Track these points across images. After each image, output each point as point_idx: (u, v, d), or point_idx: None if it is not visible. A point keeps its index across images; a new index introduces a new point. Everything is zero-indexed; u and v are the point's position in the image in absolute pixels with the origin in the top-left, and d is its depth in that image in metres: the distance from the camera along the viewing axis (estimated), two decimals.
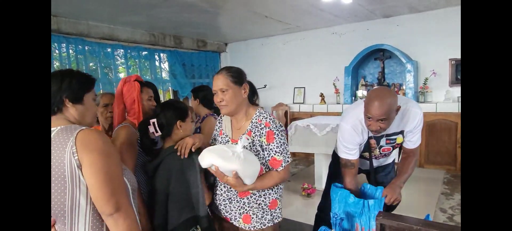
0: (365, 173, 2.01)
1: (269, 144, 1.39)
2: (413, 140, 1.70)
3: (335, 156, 1.94)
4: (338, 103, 5.28)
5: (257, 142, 1.40)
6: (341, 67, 5.12)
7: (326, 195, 1.93)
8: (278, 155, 1.39)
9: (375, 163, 1.85)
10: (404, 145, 1.74)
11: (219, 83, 1.42)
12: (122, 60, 5.06)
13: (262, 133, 1.40)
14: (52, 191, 1.00)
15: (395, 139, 1.71)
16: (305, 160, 5.41)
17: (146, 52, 5.23)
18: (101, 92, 3.69)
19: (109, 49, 4.72)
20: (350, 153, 1.68)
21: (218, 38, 6.16)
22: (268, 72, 6.02)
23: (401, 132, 1.69)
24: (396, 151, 2.01)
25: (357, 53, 4.95)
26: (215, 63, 6.48)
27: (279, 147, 1.39)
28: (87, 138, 1.00)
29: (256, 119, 1.44)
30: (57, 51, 4.12)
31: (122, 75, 5.14)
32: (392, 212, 1.52)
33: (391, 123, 1.54)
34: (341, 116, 1.83)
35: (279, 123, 1.44)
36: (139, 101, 1.57)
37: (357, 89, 5.17)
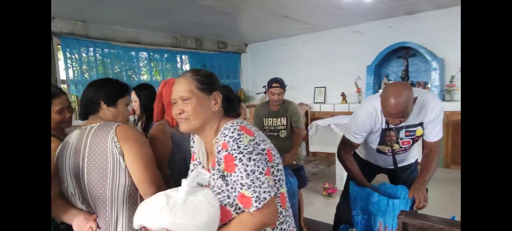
0: (387, 173, 1.97)
1: (230, 175, 0.95)
2: (434, 132, 1.66)
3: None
4: (360, 102, 5.18)
5: (220, 172, 0.99)
6: (363, 66, 5.02)
7: (345, 194, 1.92)
8: (245, 190, 0.93)
9: (397, 160, 1.81)
10: (425, 138, 1.71)
11: (180, 89, 1.03)
12: (145, 63, 5.23)
13: (221, 159, 0.97)
14: (95, 175, 1.12)
15: (415, 130, 1.68)
16: (326, 160, 5.35)
17: (168, 55, 5.38)
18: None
19: (133, 53, 4.89)
20: (355, 137, 1.73)
21: (238, 39, 6.22)
22: (288, 72, 6.00)
23: (421, 124, 1.66)
24: (419, 150, 1.96)
25: (380, 52, 4.84)
26: (236, 64, 6.54)
27: (245, 177, 0.92)
28: (126, 130, 1.15)
29: (218, 139, 1.00)
30: (84, 55, 4.32)
31: (145, 77, 5.30)
32: (416, 212, 1.48)
33: (410, 115, 1.55)
34: (361, 102, 1.85)
35: (250, 140, 0.95)
36: (169, 101, 1.67)
37: (379, 88, 5.05)
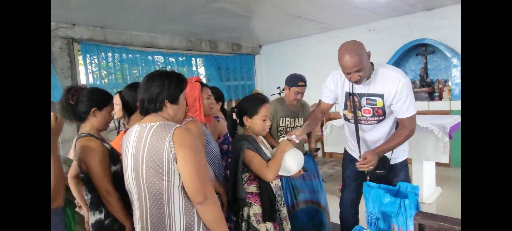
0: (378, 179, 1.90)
1: None
2: (402, 109, 1.68)
3: (344, 154, 2.10)
4: None
5: None
6: None
7: (345, 191, 2.05)
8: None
9: (366, 130, 1.82)
10: (395, 114, 1.73)
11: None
12: (162, 67, 5.33)
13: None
14: (150, 175, 1.16)
15: (375, 100, 1.72)
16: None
17: (183, 58, 5.46)
18: None
19: (149, 57, 4.99)
20: (324, 95, 1.99)
21: (252, 41, 6.24)
22: (302, 72, 5.84)
23: (381, 96, 1.69)
24: (406, 151, 1.92)
25: (397, 50, 4.73)
26: (250, 65, 6.56)
27: None
28: (182, 135, 1.15)
29: None
30: (104, 61, 4.46)
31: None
32: (432, 213, 1.43)
33: (368, 70, 1.66)
34: None
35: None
36: (199, 99, 1.74)
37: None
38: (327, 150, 3.88)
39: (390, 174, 1.83)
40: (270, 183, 1.64)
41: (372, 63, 1.74)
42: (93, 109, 1.50)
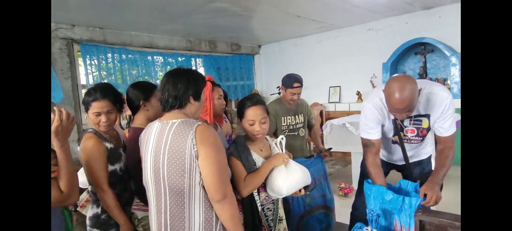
0: (400, 170, 1.93)
1: None
2: (445, 127, 1.61)
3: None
4: None
5: None
6: (379, 64, 4.93)
7: (360, 193, 1.90)
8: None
9: (409, 152, 1.77)
10: (436, 133, 1.66)
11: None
12: (161, 67, 5.33)
13: None
14: (171, 171, 1.16)
15: (421, 121, 1.65)
16: (342, 160, 5.28)
17: (183, 58, 5.46)
18: None
19: (149, 57, 4.99)
20: (370, 131, 1.68)
21: (251, 41, 6.24)
22: (302, 72, 5.88)
23: (427, 116, 1.63)
24: (432, 146, 1.90)
25: (396, 49, 4.74)
26: (249, 65, 6.57)
27: None
28: (204, 132, 1.16)
29: None
30: (103, 61, 4.46)
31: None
32: (433, 209, 1.45)
33: (416, 107, 1.54)
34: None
35: None
36: (210, 99, 1.68)
37: None
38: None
39: (414, 168, 1.88)
40: (257, 195, 1.48)
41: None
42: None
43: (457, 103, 4.28)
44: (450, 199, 3.32)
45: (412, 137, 1.73)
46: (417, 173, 1.85)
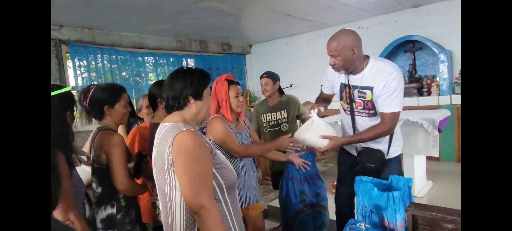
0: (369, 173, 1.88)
1: None
2: (386, 103, 1.64)
3: (339, 154, 2.11)
4: None
5: None
6: None
7: (339, 186, 2.10)
8: None
9: (360, 122, 1.83)
10: (377, 106, 1.70)
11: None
12: (152, 68, 5.28)
13: None
14: (158, 174, 1.19)
15: (365, 93, 1.71)
16: (335, 158, 5.30)
17: (174, 59, 5.42)
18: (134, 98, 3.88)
19: (139, 58, 4.94)
20: (323, 84, 2.05)
21: (242, 41, 6.24)
22: (293, 71, 5.99)
23: (371, 89, 1.68)
24: (401, 146, 1.93)
25: (385, 47, 4.79)
26: (241, 65, 6.55)
27: None
28: (180, 140, 1.11)
29: None
30: (93, 62, 4.39)
31: (152, 82, 5.35)
32: (425, 204, 1.46)
33: (347, 62, 1.67)
34: None
35: None
36: (226, 98, 1.86)
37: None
38: None
39: (383, 168, 1.82)
40: None
41: (367, 56, 1.74)
42: (105, 107, 1.51)
43: (447, 99, 4.36)
44: (442, 194, 3.39)
45: (360, 109, 1.79)
46: (385, 173, 1.80)
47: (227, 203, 1.22)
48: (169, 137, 1.13)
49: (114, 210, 1.48)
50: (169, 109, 1.23)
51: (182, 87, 1.19)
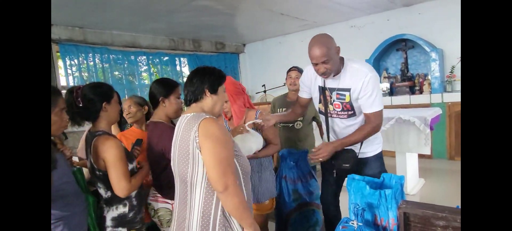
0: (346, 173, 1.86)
1: None
2: (367, 103, 1.68)
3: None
4: None
5: None
6: (362, 61, 5.01)
7: (324, 183, 2.05)
8: None
9: (342, 130, 1.83)
10: (362, 109, 1.73)
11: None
12: (145, 67, 5.24)
13: None
14: (180, 161, 1.26)
15: (344, 95, 1.74)
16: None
17: (167, 58, 5.38)
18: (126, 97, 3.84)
19: (132, 57, 4.90)
20: (301, 89, 1.98)
21: (236, 40, 6.22)
22: (286, 70, 5.99)
23: (348, 90, 1.71)
24: (380, 144, 1.93)
25: (378, 45, 4.83)
26: (234, 64, 6.54)
27: None
28: (207, 126, 1.22)
29: None
30: (85, 62, 4.34)
31: (146, 82, 5.32)
32: (416, 201, 1.48)
33: (335, 64, 1.67)
34: None
35: None
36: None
37: (379, 82, 5.04)
38: (316, 144, 3.92)
39: (361, 167, 1.82)
40: None
41: (342, 58, 1.76)
42: (103, 104, 1.48)
43: (438, 97, 4.41)
44: (434, 192, 3.43)
45: (339, 111, 1.81)
46: (367, 171, 1.82)
47: (243, 189, 1.30)
48: (193, 124, 1.23)
49: (126, 209, 1.50)
50: (188, 103, 1.36)
51: (200, 81, 1.33)
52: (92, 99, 1.46)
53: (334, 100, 1.79)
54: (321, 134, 2.77)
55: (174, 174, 1.36)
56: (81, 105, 1.44)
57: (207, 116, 1.26)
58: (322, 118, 1.96)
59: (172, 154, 1.35)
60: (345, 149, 1.78)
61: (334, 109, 1.82)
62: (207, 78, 1.33)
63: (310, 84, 1.90)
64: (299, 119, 2.61)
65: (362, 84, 1.66)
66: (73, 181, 1.38)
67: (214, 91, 1.34)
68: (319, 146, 1.74)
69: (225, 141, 1.23)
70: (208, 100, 1.34)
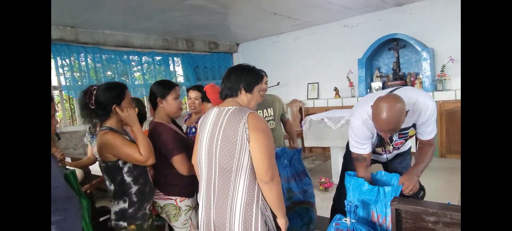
0: (381, 163, 1.99)
1: None
2: (427, 131, 1.67)
3: (348, 147, 1.90)
4: (353, 96, 5.22)
5: None
6: (354, 60, 5.05)
7: (341, 186, 1.94)
8: None
9: (390, 156, 1.84)
10: (419, 136, 1.71)
11: None
12: (138, 67, 5.20)
13: None
14: (223, 152, 1.31)
15: (407, 132, 1.70)
16: (323, 155, 5.38)
17: (160, 57, 5.35)
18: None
19: (125, 56, 4.86)
20: (361, 147, 1.67)
21: (229, 39, 6.22)
22: (280, 69, 6.02)
23: (413, 125, 1.67)
24: (413, 140, 1.98)
25: (370, 45, 4.87)
26: (228, 64, 6.53)
27: None
28: (256, 119, 1.31)
29: None
30: (76, 61, 4.29)
31: (138, 82, 5.28)
32: (408, 198, 1.50)
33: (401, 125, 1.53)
34: (351, 110, 1.79)
35: None
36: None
37: (371, 81, 5.09)
38: (307, 144, 3.94)
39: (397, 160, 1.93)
40: None
41: None
42: (113, 106, 1.54)
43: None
44: (427, 189, 3.48)
45: (399, 146, 1.82)
46: (396, 164, 1.92)
47: None
48: (240, 116, 1.30)
49: (126, 205, 1.56)
50: (224, 97, 1.42)
51: (237, 79, 1.39)
52: (103, 102, 1.53)
53: (395, 141, 1.75)
54: (288, 132, 2.80)
55: (204, 164, 1.39)
56: (93, 107, 1.53)
57: (251, 110, 1.34)
58: (373, 155, 1.85)
59: (204, 145, 1.38)
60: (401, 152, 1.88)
61: (394, 147, 1.80)
62: (244, 77, 1.40)
63: (372, 136, 1.70)
64: (272, 118, 2.66)
65: (428, 117, 1.62)
66: (64, 184, 1.36)
67: (249, 90, 1.41)
68: (402, 179, 1.61)
69: (270, 136, 1.31)
70: (243, 97, 1.40)
